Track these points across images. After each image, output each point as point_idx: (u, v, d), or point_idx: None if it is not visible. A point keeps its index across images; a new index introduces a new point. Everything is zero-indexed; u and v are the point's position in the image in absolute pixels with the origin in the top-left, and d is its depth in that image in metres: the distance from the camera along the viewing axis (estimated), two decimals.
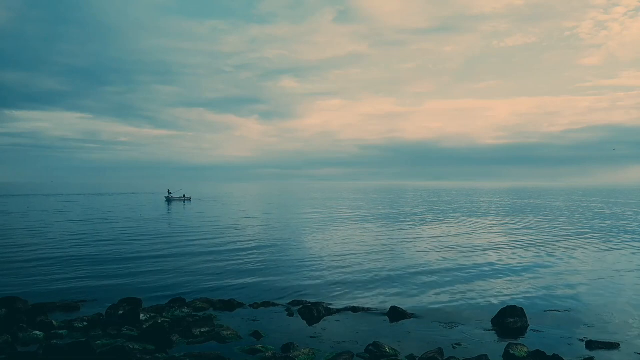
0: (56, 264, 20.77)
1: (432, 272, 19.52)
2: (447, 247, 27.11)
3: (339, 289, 16.67)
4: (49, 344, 10.05)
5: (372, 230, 36.30)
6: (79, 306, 13.85)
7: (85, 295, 15.27)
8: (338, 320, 12.83)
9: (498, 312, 12.73)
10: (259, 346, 10.45)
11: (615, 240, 30.29)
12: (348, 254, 24.12)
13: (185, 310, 13.29)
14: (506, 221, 45.12)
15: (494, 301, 14.95)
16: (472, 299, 15.32)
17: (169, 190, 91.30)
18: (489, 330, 12.10)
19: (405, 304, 14.37)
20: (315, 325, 12.41)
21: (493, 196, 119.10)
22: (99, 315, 12.59)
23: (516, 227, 39.50)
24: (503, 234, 33.95)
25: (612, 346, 10.75)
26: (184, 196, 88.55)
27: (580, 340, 11.26)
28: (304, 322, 12.68)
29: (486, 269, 20.44)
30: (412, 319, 13.00)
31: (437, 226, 39.87)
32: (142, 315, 12.22)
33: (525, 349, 10.14)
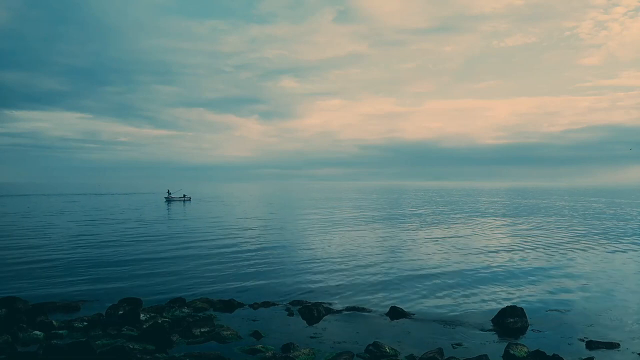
0: (56, 264, 20.78)
1: (432, 272, 19.52)
2: (447, 247, 27.11)
3: (339, 289, 16.67)
4: (49, 344, 10.06)
5: (372, 231, 36.30)
6: (79, 306, 13.85)
7: (85, 295, 15.28)
8: (338, 320, 12.83)
9: (498, 312, 12.73)
10: (259, 346, 10.46)
11: (615, 241, 30.29)
12: (348, 254, 24.12)
13: (185, 310, 13.29)
14: (506, 221, 45.14)
15: (494, 301, 14.96)
16: (472, 299, 15.32)
17: (168, 191, 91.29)
18: (489, 330, 12.10)
19: (405, 303, 14.37)
20: (315, 325, 12.41)
21: (493, 196, 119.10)
22: (99, 315, 12.59)
23: (516, 227, 39.52)
24: (503, 235, 33.96)
25: (612, 346, 10.75)
26: (184, 196, 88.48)
27: (580, 340, 11.26)
28: (304, 322, 12.68)
29: (486, 269, 20.44)
30: (412, 319, 13.00)
31: (437, 226, 39.87)
32: (142, 315, 12.22)
33: (526, 349, 10.15)
